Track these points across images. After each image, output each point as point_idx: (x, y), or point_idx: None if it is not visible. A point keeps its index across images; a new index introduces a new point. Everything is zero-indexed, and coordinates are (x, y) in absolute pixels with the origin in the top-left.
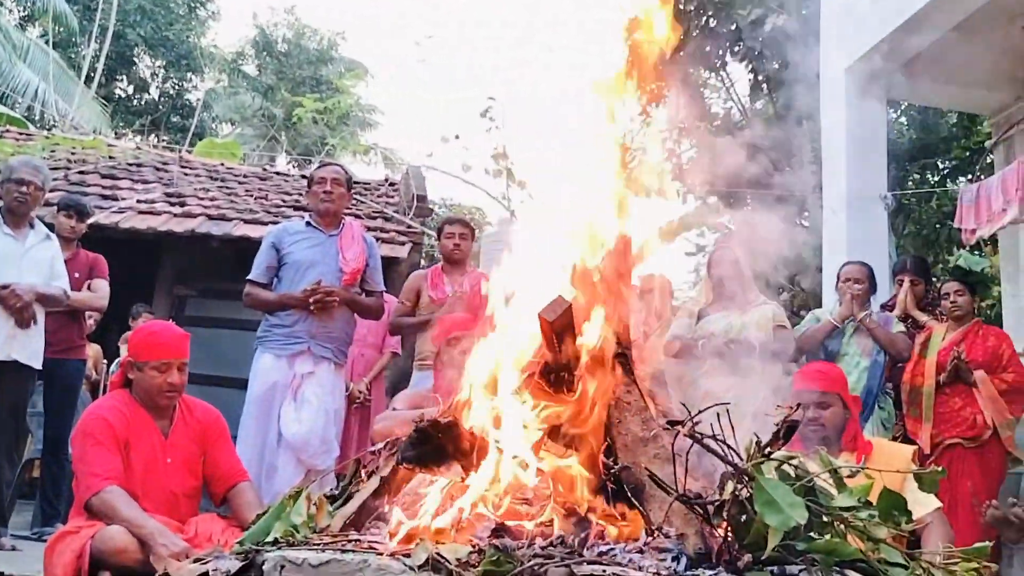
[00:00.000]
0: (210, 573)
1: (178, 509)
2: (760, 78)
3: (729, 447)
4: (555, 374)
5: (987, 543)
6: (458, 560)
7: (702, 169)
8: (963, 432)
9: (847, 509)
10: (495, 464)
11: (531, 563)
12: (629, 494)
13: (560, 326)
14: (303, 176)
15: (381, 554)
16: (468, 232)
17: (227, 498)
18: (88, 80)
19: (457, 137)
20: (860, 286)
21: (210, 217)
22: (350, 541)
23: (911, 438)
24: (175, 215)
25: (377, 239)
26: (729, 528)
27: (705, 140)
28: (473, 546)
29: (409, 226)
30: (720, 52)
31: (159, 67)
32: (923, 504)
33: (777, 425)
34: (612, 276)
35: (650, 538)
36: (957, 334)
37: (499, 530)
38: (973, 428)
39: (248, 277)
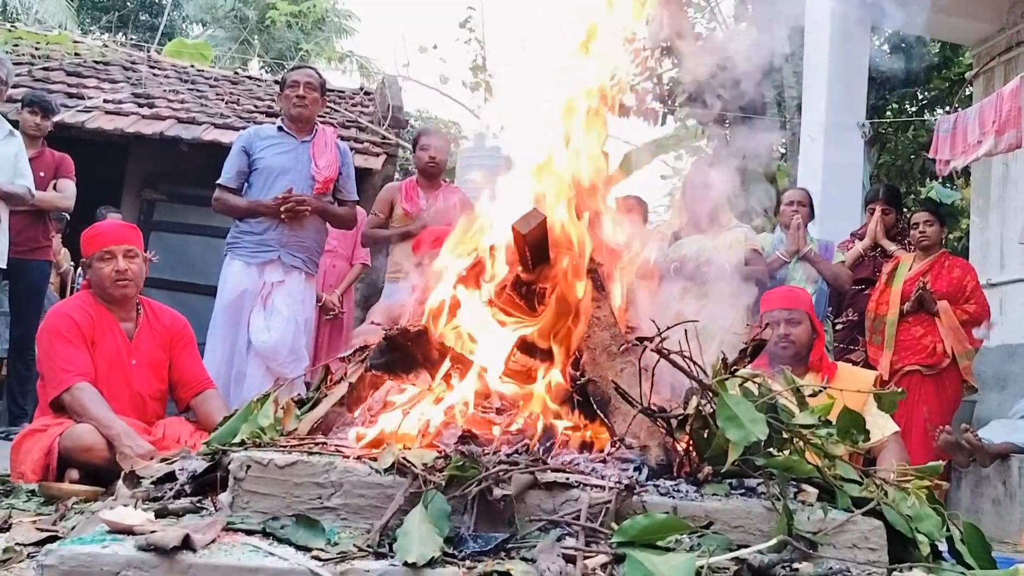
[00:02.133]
0: (176, 472)
1: (145, 411)
2: None
3: (695, 363)
4: (526, 286)
5: (940, 463)
6: (424, 464)
7: (682, 90)
8: (922, 360)
9: (807, 427)
10: (463, 372)
11: (496, 469)
12: (595, 406)
13: (533, 239)
14: (276, 81)
15: (347, 457)
16: (444, 145)
17: (192, 405)
18: None
19: (435, 47)
20: (804, 209)
21: (180, 120)
22: (317, 444)
23: (871, 364)
24: (143, 117)
25: (351, 149)
26: (691, 441)
27: (687, 60)
28: (439, 452)
29: (384, 137)
30: None
31: None
32: (881, 428)
33: (745, 344)
34: (587, 193)
35: (614, 449)
36: (924, 264)
37: (465, 437)
38: (932, 356)
39: (218, 182)
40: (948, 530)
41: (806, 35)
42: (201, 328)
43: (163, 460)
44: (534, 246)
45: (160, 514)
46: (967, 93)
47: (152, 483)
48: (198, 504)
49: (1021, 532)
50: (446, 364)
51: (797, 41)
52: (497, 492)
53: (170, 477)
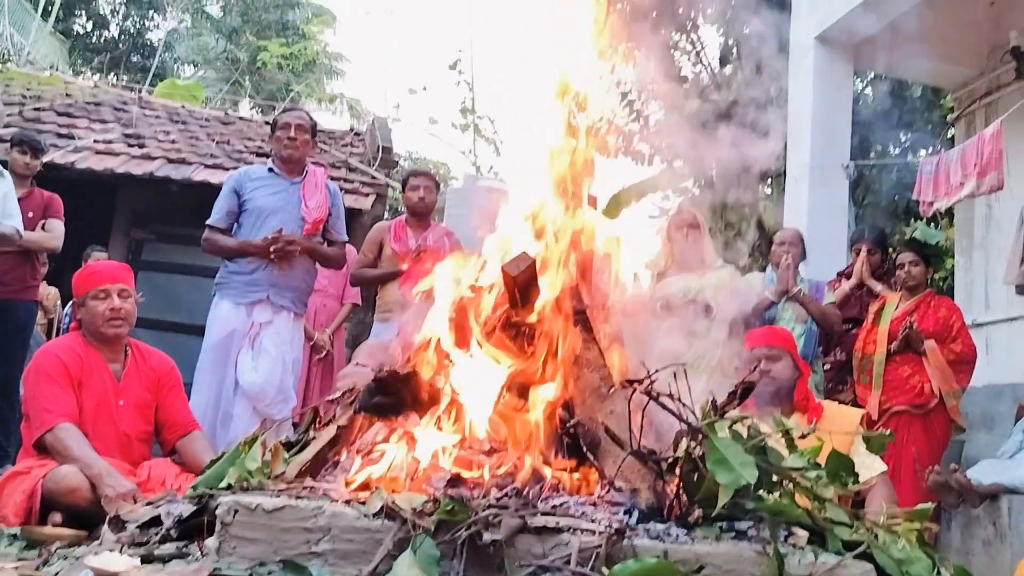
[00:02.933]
0: (162, 516)
1: (131, 452)
2: (730, 43)
3: (684, 405)
4: (516, 328)
5: (930, 505)
6: (413, 509)
7: (669, 132)
8: (911, 400)
9: (796, 469)
10: (452, 415)
11: (485, 513)
12: (584, 449)
13: (523, 281)
14: (267, 122)
15: (336, 501)
16: (433, 185)
17: (177, 447)
18: (45, 14)
19: (424, 89)
20: (795, 249)
21: (170, 160)
22: (305, 488)
23: (860, 404)
24: (133, 157)
25: (341, 189)
26: (681, 484)
27: (673, 103)
28: (428, 495)
29: (373, 177)
30: (691, 14)
31: (120, 3)
32: (869, 467)
33: (735, 386)
34: (575, 236)
35: (604, 492)
36: (910, 304)
37: (454, 480)
38: (920, 396)
39: (208, 222)
40: (939, 573)
41: (790, 78)
42: (188, 368)
43: (148, 503)
44: (523, 288)
45: (146, 559)
46: (949, 135)
47: (137, 527)
48: (184, 549)
49: (1012, 574)
50: (435, 406)
51: (781, 84)
52: (487, 537)
53: (156, 521)
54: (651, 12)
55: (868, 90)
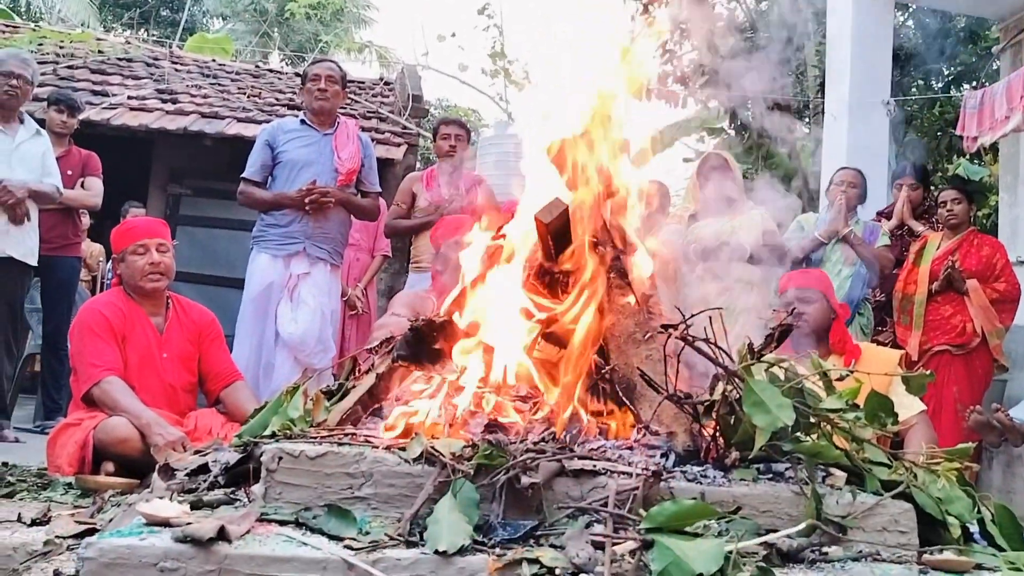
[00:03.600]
0: (209, 464)
1: (176, 403)
2: None
3: (720, 349)
4: (550, 275)
5: (970, 444)
6: (452, 454)
7: (704, 72)
8: (952, 339)
9: (834, 411)
10: (490, 362)
11: (523, 457)
12: (620, 393)
13: (556, 228)
14: (296, 74)
15: (377, 447)
16: (464, 133)
17: (221, 397)
18: None
19: (454, 35)
20: (854, 190)
21: (203, 115)
22: (346, 435)
23: (900, 344)
24: (167, 112)
25: (372, 140)
26: (718, 427)
27: (708, 41)
28: (467, 441)
29: (404, 127)
30: None
31: None
32: (908, 407)
33: (771, 328)
34: (608, 180)
35: (640, 435)
36: (952, 243)
37: (492, 425)
38: (962, 336)
39: (243, 175)
40: (979, 512)
41: (828, 12)
42: (229, 321)
43: (196, 452)
44: (557, 235)
45: (195, 506)
46: (994, 67)
47: (186, 475)
48: (232, 496)
49: None
50: (471, 353)
51: (819, 19)
52: (525, 480)
53: (204, 469)
54: None
55: (910, 22)
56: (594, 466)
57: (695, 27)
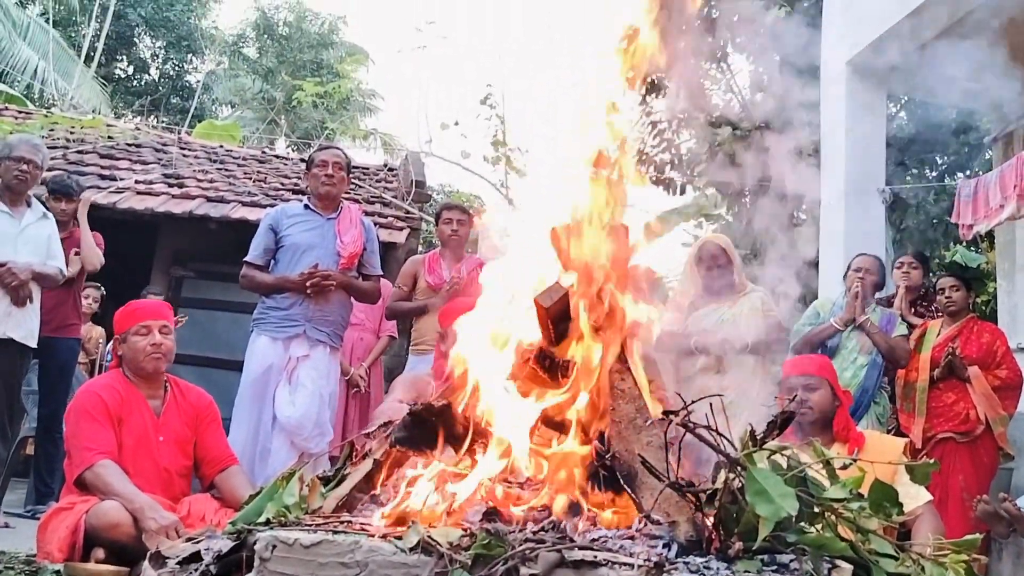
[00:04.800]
0: (202, 552)
1: (171, 487)
2: (761, 70)
3: (722, 436)
4: (550, 360)
5: (978, 535)
6: (449, 543)
7: (701, 160)
8: (955, 427)
9: (838, 500)
10: (488, 449)
11: (522, 547)
12: (621, 481)
13: (556, 312)
14: (302, 159)
15: (372, 536)
16: (466, 218)
17: (216, 482)
18: (88, 59)
19: (456, 124)
20: (871, 277)
21: (208, 199)
22: (342, 522)
23: (904, 432)
24: (173, 196)
25: (375, 224)
26: (720, 517)
27: (704, 132)
28: (464, 530)
29: (407, 211)
30: (721, 43)
31: (159, 48)
32: (914, 497)
33: (774, 416)
34: (609, 265)
35: (642, 525)
36: (952, 329)
37: (491, 514)
38: (966, 423)
39: (245, 259)
40: None
41: (822, 104)
42: (227, 403)
43: (188, 539)
44: (557, 319)
45: None
46: (987, 157)
47: (178, 563)
48: None
49: None
50: (470, 439)
51: (814, 109)
52: (524, 571)
53: (196, 557)
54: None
55: (902, 113)
56: (595, 557)
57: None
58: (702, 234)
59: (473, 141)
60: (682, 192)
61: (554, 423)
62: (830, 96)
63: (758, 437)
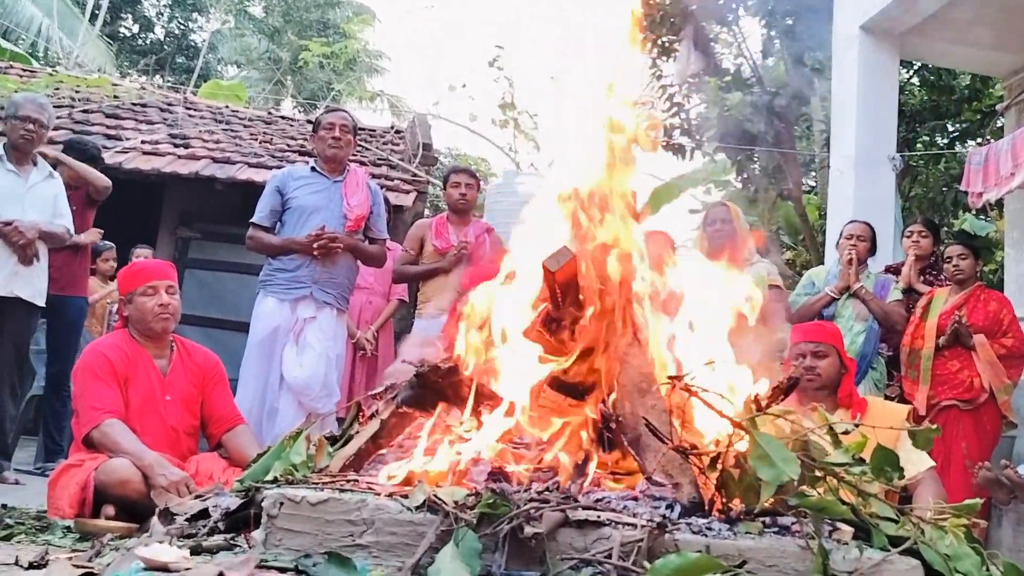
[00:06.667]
0: (210, 509)
1: (178, 446)
2: (772, 34)
3: (726, 400)
4: (557, 323)
5: (978, 500)
6: (455, 502)
7: (711, 125)
8: (959, 395)
9: (840, 464)
10: (494, 410)
11: (527, 507)
12: (626, 443)
13: (564, 276)
14: (308, 121)
15: (379, 494)
16: (474, 182)
17: (223, 441)
18: (93, 18)
19: (464, 86)
20: (864, 244)
21: (214, 160)
22: (348, 481)
23: (907, 399)
24: (179, 157)
25: (381, 187)
26: (723, 479)
27: (715, 96)
28: (470, 489)
29: (414, 174)
30: (732, 6)
31: (164, 6)
32: (916, 463)
33: (779, 381)
34: (617, 229)
35: (645, 486)
36: (959, 298)
37: (496, 474)
38: (970, 391)
39: (251, 220)
40: (988, 570)
41: (834, 69)
42: (233, 364)
43: (197, 496)
44: (564, 284)
45: (195, 551)
46: (998, 125)
47: (186, 520)
48: (232, 541)
49: None
50: (477, 400)
51: (825, 75)
52: (528, 530)
53: (204, 514)
54: (692, 5)
55: (915, 79)
56: (598, 517)
57: (702, 81)
58: (711, 200)
59: (481, 104)
60: (691, 157)
61: (560, 386)
62: (843, 61)
63: (761, 402)
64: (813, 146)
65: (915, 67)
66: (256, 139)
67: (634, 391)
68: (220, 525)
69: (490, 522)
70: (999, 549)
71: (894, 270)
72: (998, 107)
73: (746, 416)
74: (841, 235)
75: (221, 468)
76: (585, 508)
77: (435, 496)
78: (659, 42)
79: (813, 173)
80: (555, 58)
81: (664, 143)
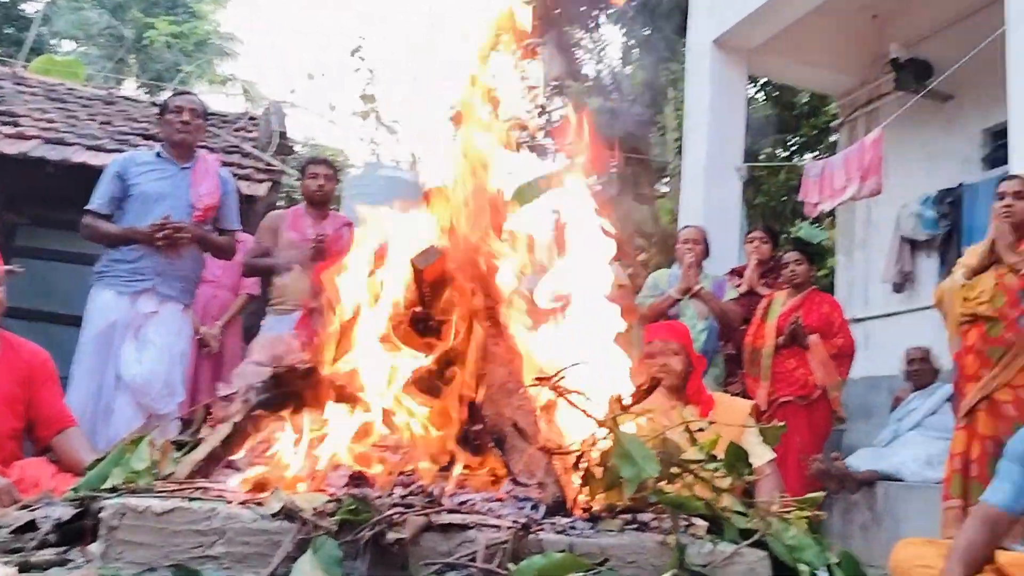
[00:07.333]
0: (38, 521)
1: (0, 451)
2: (631, 43)
3: (590, 400)
4: (423, 322)
5: (820, 493)
6: (314, 509)
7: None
8: (796, 391)
9: (696, 462)
10: (355, 412)
11: (390, 512)
12: (491, 444)
13: (432, 275)
14: (154, 103)
15: (231, 502)
16: (332, 173)
17: (52, 444)
18: None
19: (323, 75)
20: (699, 246)
21: (46, 140)
22: (197, 489)
23: (749, 395)
24: (7, 136)
25: (234, 175)
26: (586, 479)
27: (576, 99)
28: (330, 495)
29: (268, 164)
30: (594, 13)
31: None
32: (759, 456)
33: (642, 381)
34: (483, 229)
35: (510, 487)
36: (796, 300)
37: (357, 478)
38: (805, 388)
39: (87, 207)
40: (827, 558)
41: (687, 80)
42: (65, 361)
43: (23, 507)
44: (432, 282)
45: (23, 568)
46: (832, 140)
47: (11, 533)
48: (64, 556)
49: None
50: (336, 403)
51: (679, 85)
52: (391, 536)
53: (31, 526)
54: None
55: (760, 94)
56: (463, 520)
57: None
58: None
59: (341, 94)
60: (553, 159)
61: (425, 386)
62: (695, 73)
63: (623, 402)
64: (667, 153)
65: (761, 83)
66: (95, 120)
67: (500, 392)
68: (51, 538)
69: (351, 529)
70: (829, 535)
71: (738, 272)
72: (832, 124)
73: (610, 416)
74: (678, 240)
75: (49, 474)
76: (449, 512)
77: (292, 503)
78: (523, 43)
79: (666, 179)
80: (419, 51)
81: (528, 144)
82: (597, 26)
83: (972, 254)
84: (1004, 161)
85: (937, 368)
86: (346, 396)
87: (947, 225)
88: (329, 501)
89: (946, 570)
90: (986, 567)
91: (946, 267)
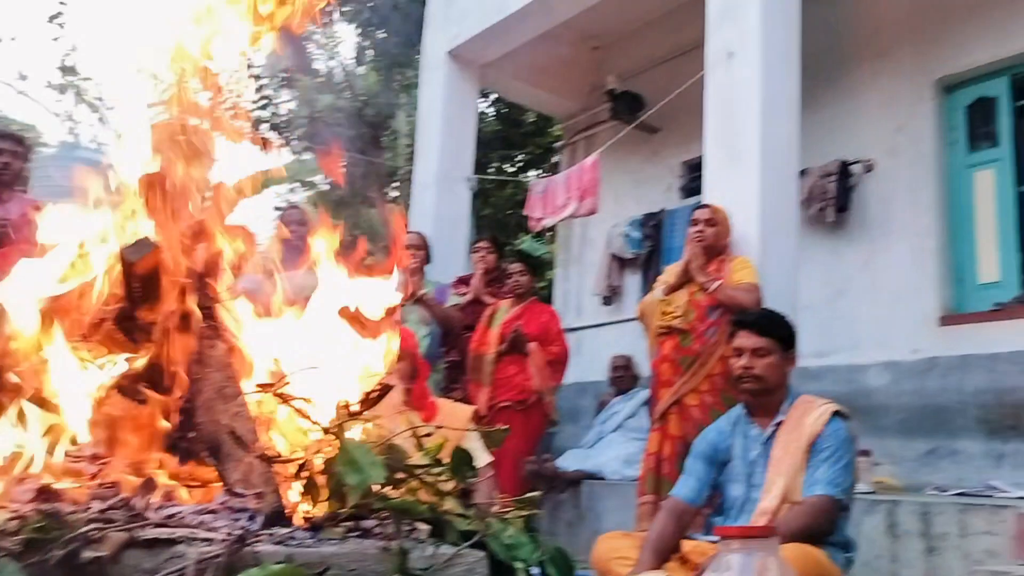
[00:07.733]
0: None
1: None
2: (366, 44)
3: (315, 407)
4: (131, 321)
5: (538, 493)
6: None
7: (300, 124)
8: (515, 396)
9: (422, 467)
10: (44, 421)
11: (87, 528)
12: (204, 453)
13: (143, 269)
14: None
15: None
16: (21, 150)
17: None
18: None
19: (13, 39)
20: (421, 252)
21: None
22: None
23: (470, 400)
24: None
25: None
26: (309, 487)
27: (307, 94)
28: (12, 512)
29: None
30: (327, 7)
31: None
32: (479, 459)
33: (371, 388)
34: (200, 223)
35: (225, 499)
36: (518, 309)
37: (46, 492)
38: (523, 393)
39: None
40: (540, 555)
41: (421, 88)
42: None
43: None
44: (143, 277)
45: None
46: (556, 160)
47: None
48: None
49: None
50: (21, 408)
51: (412, 92)
52: (86, 554)
53: None
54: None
55: (491, 109)
56: (171, 534)
57: (294, 77)
58: (296, 199)
59: (36, 63)
60: (278, 153)
61: (131, 391)
62: (429, 81)
63: (351, 408)
64: (398, 158)
65: (492, 98)
66: None
67: (216, 397)
68: None
69: (40, 548)
70: (538, 532)
71: (465, 281)
72: (556, 145)
73: (336, 422)
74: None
75: None
76: (156, 525)
77: None
78: (250, 32)
79: (396, 183)
80: (130, 25)
81: (249, 135)
82: (331, 22)
83: (670, 272)
84: (699, 191)
85: (637, 375)
86: (35, 401)
87: (650, 245)
88: (12, 519)
89: (639, 560)
90: (672, 556)
91: (648, 283)
